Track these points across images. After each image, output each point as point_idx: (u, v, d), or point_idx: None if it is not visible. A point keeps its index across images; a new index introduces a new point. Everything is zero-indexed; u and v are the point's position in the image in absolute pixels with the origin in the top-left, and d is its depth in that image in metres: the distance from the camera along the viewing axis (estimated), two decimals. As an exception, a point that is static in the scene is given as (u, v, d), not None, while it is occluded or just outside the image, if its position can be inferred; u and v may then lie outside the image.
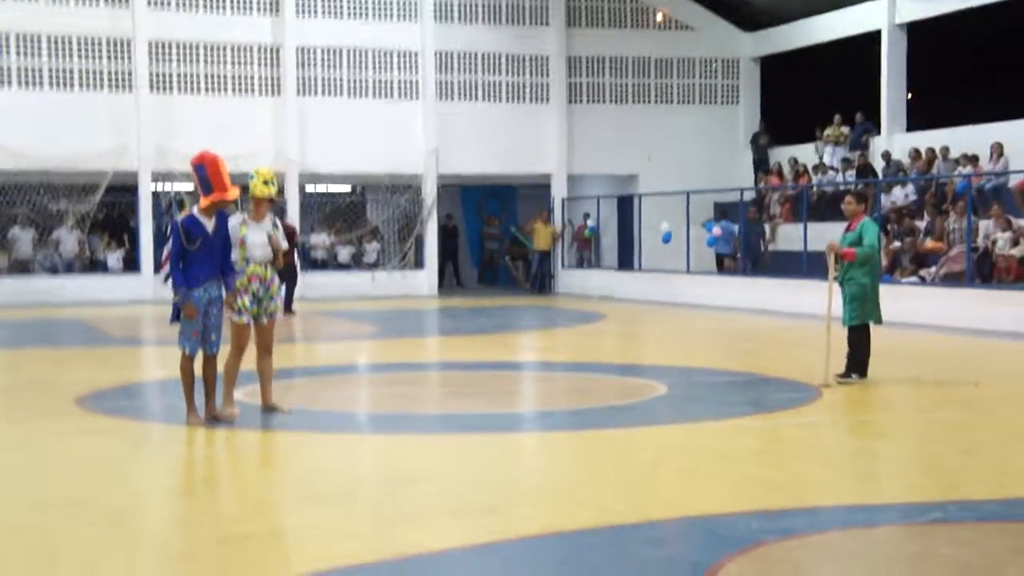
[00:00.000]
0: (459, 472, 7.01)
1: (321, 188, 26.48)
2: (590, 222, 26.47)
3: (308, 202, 25.72)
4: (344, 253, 26.05)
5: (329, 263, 25.90)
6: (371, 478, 6.99)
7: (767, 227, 23.27)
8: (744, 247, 21.90)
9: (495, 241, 28.76)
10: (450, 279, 28.23)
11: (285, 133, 24.72)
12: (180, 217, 8.52)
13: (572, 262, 27.21)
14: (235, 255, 8.64)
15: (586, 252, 26.94)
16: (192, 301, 8.40)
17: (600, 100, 27.07)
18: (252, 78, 24.74)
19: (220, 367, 8.81)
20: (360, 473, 7.16)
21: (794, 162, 24.91)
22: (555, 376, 11.91)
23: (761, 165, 25.86)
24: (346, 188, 26.95)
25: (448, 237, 27.73)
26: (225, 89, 24.57)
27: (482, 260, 29.04)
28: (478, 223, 29.05)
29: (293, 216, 24.41)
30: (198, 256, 8.40)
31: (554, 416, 9.27)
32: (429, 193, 25.78)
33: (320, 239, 25.70)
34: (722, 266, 23.53)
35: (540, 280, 26.28)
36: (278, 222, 9.06)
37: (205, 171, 8.46)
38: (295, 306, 20.29)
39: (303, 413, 9.11)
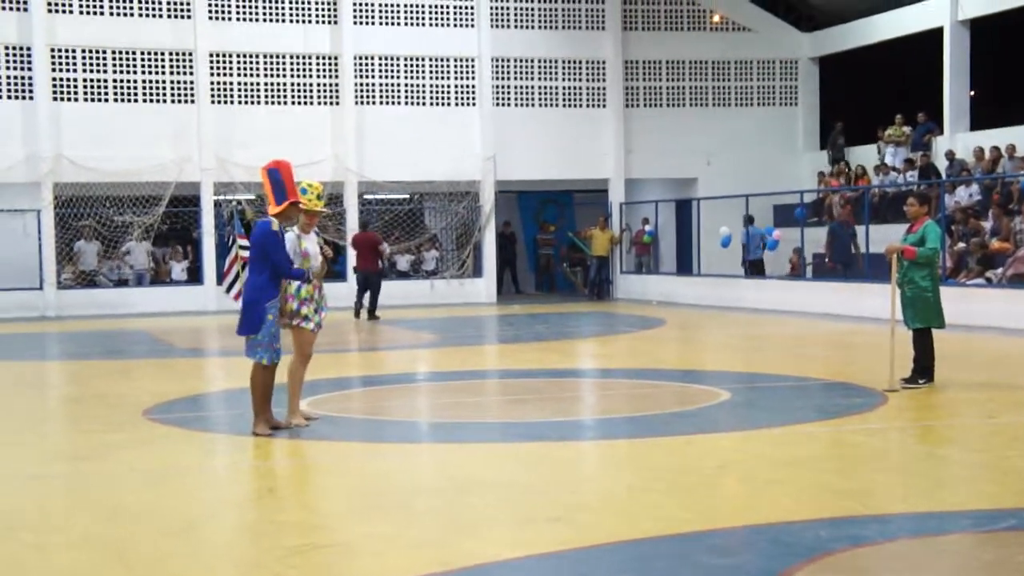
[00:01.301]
0: (521, 480, 7.01)
1: (380, 196, 26.65)
2: (648, 227, 26.37)
3: (367, 211, 25.91)
4: (403, 262, 26.19)
5: (388, 272, 26.04)
6: (433, 487, 7.01)
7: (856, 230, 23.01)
8: (837, 251, 21.15)
9: (551, 247, 28.75)
10: (508, 286, 28.24)
11: (344, 142, 24.92)
12: (256, 222, 8.59)
13: (630, 267, 27.12)
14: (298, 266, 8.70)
15: (644, 257, 26.83)
16: (312, 275, 8.59)
17: (657, 104, 26.97)
18: (311, 87, 24.99)
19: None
20: (422, 482, 7.19)
21: (850, 165, 24.63)
22: (615, 383, 11.88)
23: (837, 165, 25.50)
24: (404, 196, 27.11)
25: (506, 244, 27.75)
26: (284, 99, 24.84)
27: (539, 267, 29.03)
28: (535, 229, 29.06)
29: (352, 225, 24.60)
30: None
31: (615, 423, 9.24)
32: (487, 200, 25.84)
33: (385, 248, 25.82)
34: (759, 272, 23.33)
35: (598, 286, 26.21)
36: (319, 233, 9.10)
37: (280, 176, 8.57)
38: (378, 312, 20.92)
39: (365, 422, 9.17)
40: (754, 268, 23.47)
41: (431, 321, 20.95)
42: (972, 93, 23.92)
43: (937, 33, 23.60)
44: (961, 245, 18.78)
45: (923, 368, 10.45)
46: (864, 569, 5.10)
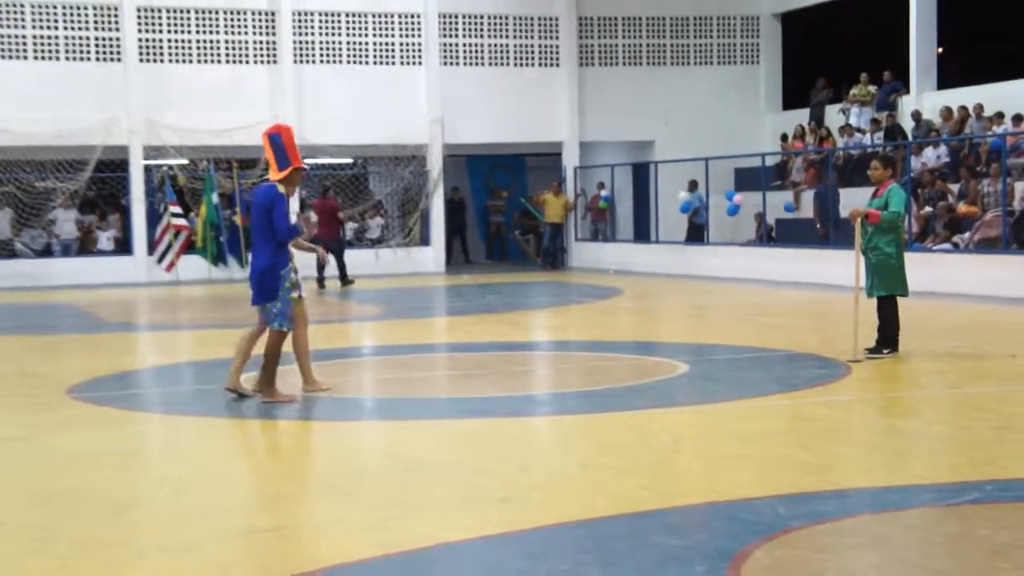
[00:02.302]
0: (470, 459, 7.05)
1: (321, 161, 26.48)
2: (604, 192, 26.46)
3: (307, 176, 25.69)
4: (346, 230, 26.05)
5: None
6: (378, 467, 7.03)
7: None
8: (824, 216, 21.07)
9: (502, 214, 28.76)
10: (457, 255, 28.26)
11: (282, 103, 24.72)
12: (257, 186, 8.69)
13: (585, 234, 27.21)
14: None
15: (600, 224, 26.93)
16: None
17: (613, 63, 27.00)
18: (246, 45, 24.73)
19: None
20: (367, 462, 7.21)
21: (815, 126, 24.82)
22: (569, 356, 11.94)
23: (813, 124, 25.54)
24: (347, 161, 26.96)
25: (454, 211, 27.72)
26: (218, 57, 24.56)
27: (489, 234, 29.05)
28: (485, 195, 29.04)
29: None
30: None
31: (569, 398, 9.30)
32: (434, 164, 25.77)
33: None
34: (699, 238, 23.60)
35: (552, 254, 26.29)
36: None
37: (281, 140, 8.80)
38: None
39: (306, 400, 9.15)
40: (693, 233, 23.81)
41: (376, 292, 20.90)
42: (940, 50, 24.15)
43: (903, -12, 23.79)
44: (928, 209, 19.03)
45: (887, 337, 10.60)
46: (824, 546, 5.18)
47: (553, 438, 7.99)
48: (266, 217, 8.74)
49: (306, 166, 8.97)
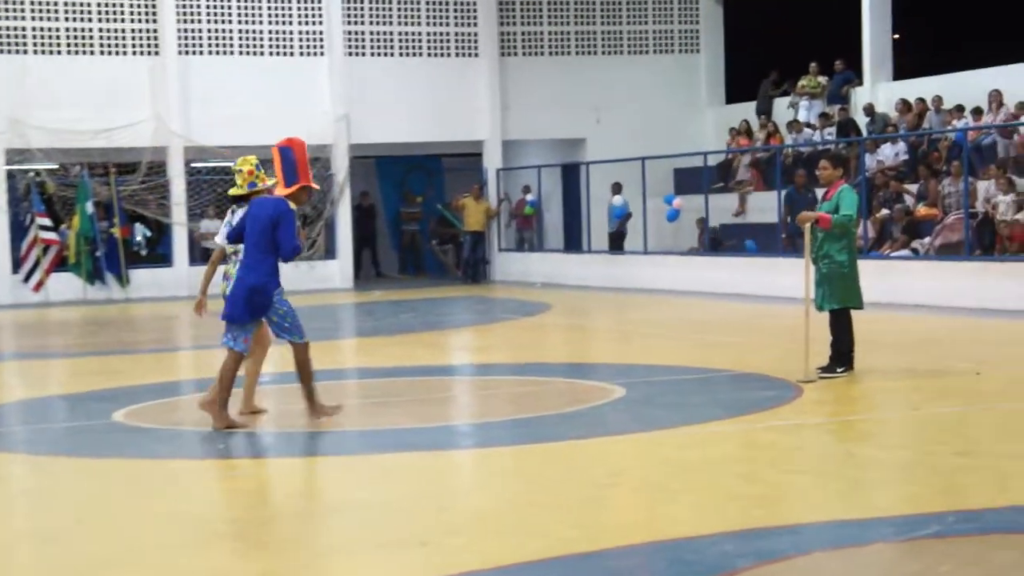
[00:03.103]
0: (384, 498, 7.07)
1: (211, 164, 26.28)
2: (530, 196, 26.58)
3: (196, 182, 25.55)
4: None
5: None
6: (282, 509, 7.02)
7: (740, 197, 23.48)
8: (794, 226, 20.96)
9: (417, 222, 28.78)
10: (367, 269, 28.18)
11: (165, 100, 24.51)
12: (258, 197, 9.36)
13: (510, 244, 27.30)
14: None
15: (527, 232, 27.05)
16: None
17: (538, 52, 27.17)
18: (123, 34, 24.49)
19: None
20: (269, 503, 7.20)
21: (764, 120, 25.16)
22: (493, 381, 11.98)
23: (761, 119, 25.71)
24: (240, 163, 26.71)
25: (364, 219, 27.67)
26: (91, 48, 24.29)
27: (403, 245, 29.05)
28: (398, 201, 29.04)
29: (180, 197, 24.30)
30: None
31: (494, 428, 9.35)
32: (340, 167, 25.71)
33: (211, 226, 25.53)
34: (619, 246, 23.95)
35: (473, 266, 26.33)
36: None
37: (293, 155, 9.21)
38: None
39: (199, 435, 9.11)
40: (611, 242, 24.10)
41: (276, 312, 20.76)
42: (896, 36, 24.64)
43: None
44: (884, 212, 19.42)
45: (841, 354, 10.81)
46: (774, 587, 5.30)
47: (476, 473, 8.04)
48: (269, 232, 9.04)
49: (316, 186, 9.51)
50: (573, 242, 26.85)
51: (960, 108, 20.60)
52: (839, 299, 10.71)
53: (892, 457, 7.93)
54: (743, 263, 20.81)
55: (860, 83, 24.10)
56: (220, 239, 9.81)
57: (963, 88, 21.35)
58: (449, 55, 26.53)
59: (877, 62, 23.83)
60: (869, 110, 22.70)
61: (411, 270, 28.90)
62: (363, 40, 25.97)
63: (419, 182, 29.27)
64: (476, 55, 26.62)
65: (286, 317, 9.26)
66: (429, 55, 26.40)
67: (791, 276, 16.25)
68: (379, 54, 26.05)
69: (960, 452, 7.72)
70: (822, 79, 24.61)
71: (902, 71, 24.42)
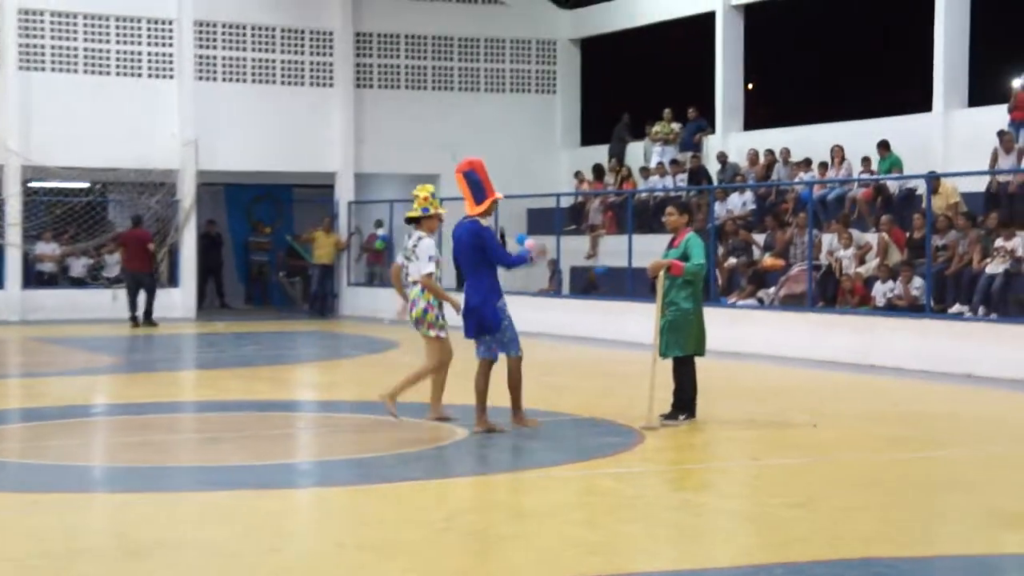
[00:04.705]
0: (213, 539, 6.92)
1: (51, 185, 25.62)
2: (382, 231, 26.51)
3: (33, 203, 24.87)
4: (78, 266, 25.27)
5: (59, 278, 25.10)
6: (99, 549, 6.81)
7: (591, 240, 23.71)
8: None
9: (265, 253, 28.46)
10: (212, 299, 27.79)
11: (3, 116, 23.84)
12: (458, 225, 10.33)
13: (360, 278, 27.15)
14: (434, 272, 10.56)
15: (377, 266, 26.93)
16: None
17: (394, 85, 27.17)
18: (-38, 47, 23.78)
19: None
20: (85, 543, 6.96)
21: (615, 164, 25.48)
22: (334, 418, 11.89)
23: (613, 162, 25.95)
24: (82, 185, 26.16)
25: (209, 248, 27.29)
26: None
27: (250, 276, 28.68)
28: (246, 230, 28.69)
29: (14, 217, 23.65)
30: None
31: (330, 467, 9.27)
32: (186, 193, 25.31)
33: (48, 249, 24.87)
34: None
35: (321, 300, 26.13)
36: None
37: (477, 176, 10.24)
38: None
39: (19, 467, 8.81)
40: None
41: (112, 340, 20.34)
42: (749, 86, 25.26)
43: (709, 18, 24.79)
44: (732, 260, 19.80)
45: (684, 402, 10.95)
46: (605, 638, 5.30)
47: (310, 514, 7.93)
48: (476, 254, 10.14)
49: (502, 195, 10.57)
50: (423, 279, 26.75)
51: (807, 161, 21.17)
52: (683, 347, 10.84)
53: (729, 507, 8.03)
54: (592, 306, 21.00)
55: (712, 131, 24.61)
56: (432, 267, 10.58)
57: (810, 141, 21.94)
58: (303, 84, 26.36)
59: (729, 112, 24.38)
60: (722, 159, 23.18)
61: (257, 302, 28.59)
62: (215, 65, 25.65)
63: (268, 212, 29.01)
64: (331, 85, 26.50)
65: (505, 332, 10.21)
66: (283, 83, 26.20)
67: (640, 321, 16.45)
68: (231, 79, 25.75)
69: (796, 504, 7.85)
70: (675, 126, 25.07)
71: (753, 121, 25.02)
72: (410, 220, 10.89)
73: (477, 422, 10.32)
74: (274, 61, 26.13)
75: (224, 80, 25.69)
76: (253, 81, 25.94)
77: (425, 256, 10.65)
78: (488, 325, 10.18)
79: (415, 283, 10.71)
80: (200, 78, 25.41)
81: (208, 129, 25.25)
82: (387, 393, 10.69)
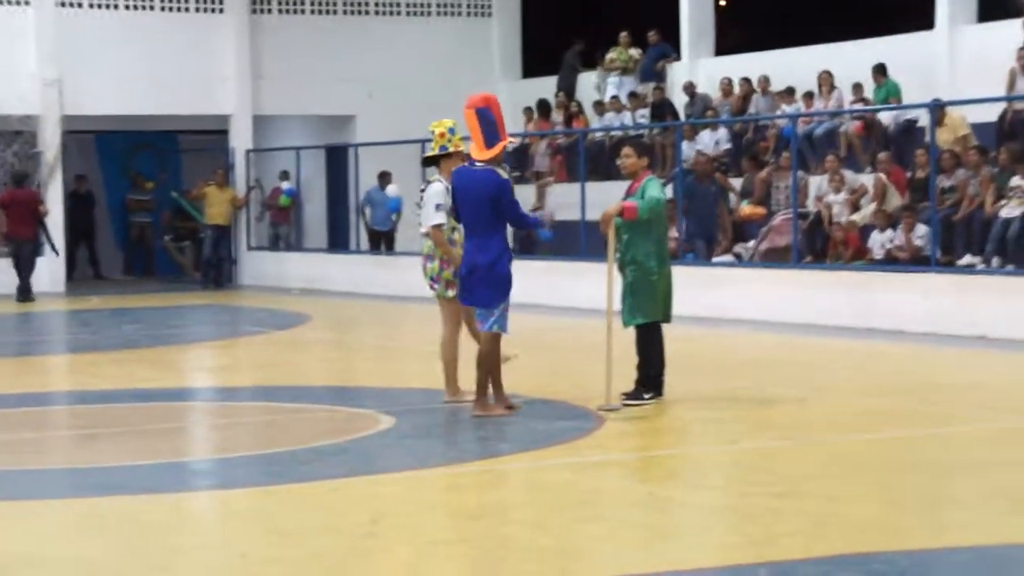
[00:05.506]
0: (91, 554, 6.91)
1: None
2: (287, 184, 26.40)
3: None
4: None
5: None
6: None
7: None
8: (696, 222, 19.61)
9: (148, 213, 28.29)
10: (84, 269, 27.63)
11: None
12: (465, 169, 10.39)
13: (262, 241, 27.06)
14: (444, 222, 10.67)
15: (282, 227, 26.85)
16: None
17: (298, 9, 27.04)
18: None
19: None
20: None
21: (564, 99, 25.43)
22: (234, 408, 11.86)
23: (560, 98, 25.90)
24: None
25: (79, 208, 27.12)
26: None
27: (130, 240, 28.52)
28: (124, 187, 28.50)
29: None
30: None
31: (232, 465, 9.26)
32: (49, 144, 25.08)
33: None
34: (378, 245, 24.13)
35: (215, 268, 26.03)
36: None
37: (491, 115, 10.28)
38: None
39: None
40: (378, 242, 24.14)
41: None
42: (721, 3, 25.28)
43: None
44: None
45: (649, 378, 10.99)
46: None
47: (208, 521, 7.93)
48: (488, 208, 10.18)
49: (513, 140, 10.29)
50: (338, 240, 26.76)
51: (790, 91, 21.26)
52: (647, 312, 10.85)
53: (702, 500, 8.10)
54: (539, 267, 21.04)
55: (678, 58, 24.65)
56: (441, 218, 10.67)
57: (792, 67, 21.98)
58: (188, 9, 26.18)
59: (698, 33, 24.41)
60: (690, 90, 23.21)
61: (139, 271, 28.46)
62: (80, -13, 25.39)
63: (150, 164, 28.83)
64: (221, 10, 26.33)
65: (507, 303, 10.35)
66: (163, 9, 26.01)
67: (596, 284, 16.49)
68: (100, 5, 25.49)
69: (779, 494, 7.94)
70: (634, 52, 25.07)
71: (725, 46, 25.05)
72: (428, 162, 11.30)
73: (493, 406, 10.47)
74: (152, -18, 25.90)
75: (91, 6, 25.43)
76: (127, 7, 25.69)
77: (431, 204, 10.77)
78: (495, 293, 10.29)
79: (425, 235, 10.93)
80: (62, 4, 25.15)
81: (73, 66, 25.00)
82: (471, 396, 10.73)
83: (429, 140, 23.55)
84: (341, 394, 12.62)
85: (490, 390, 10.57)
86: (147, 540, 7.27)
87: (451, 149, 10.80)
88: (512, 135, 24.88)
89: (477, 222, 10.32)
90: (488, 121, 10.32)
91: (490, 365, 10.44)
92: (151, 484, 8.59)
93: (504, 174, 10.50)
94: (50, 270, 25.17)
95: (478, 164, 10.37)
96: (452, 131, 10.84)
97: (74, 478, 8.89)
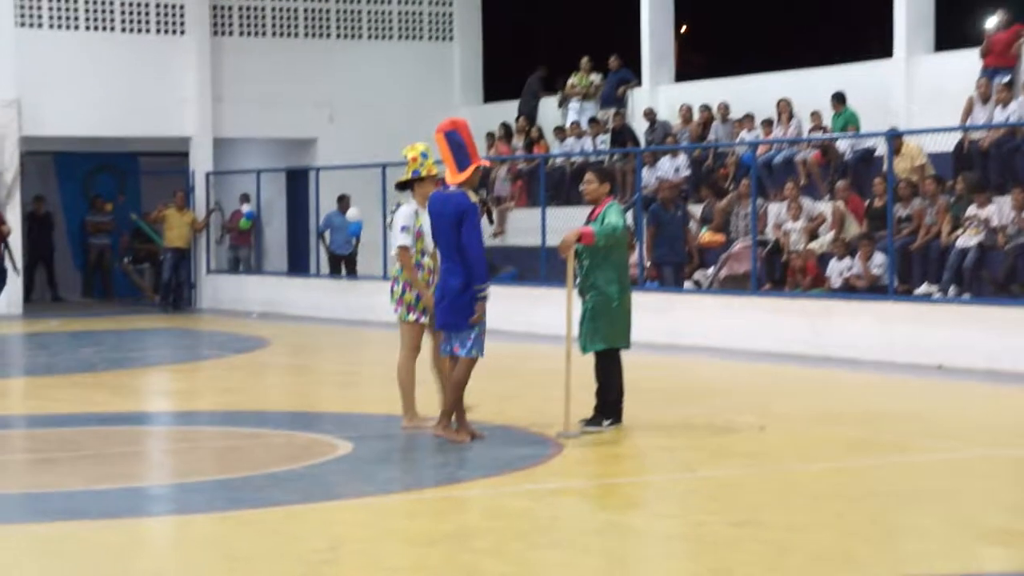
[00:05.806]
0: (46, 582, 6.88)
1: None
2: (248, 207, 26.35)
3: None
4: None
5: None
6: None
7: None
8: (663, 246, 19.45)
9: (107, 235, 28.17)
10: (42, 290, 27.52)
11: None
12: (437, 193, 10.44)
13: (221, 264, 26.98)
14: (408, 244, 10.77)
15: (242, 250, 26.81)
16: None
17: (260, 32, 27.02)
18: None
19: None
20: None
21: (525, 124, 25.46)
22: (191, 432, 11.83)
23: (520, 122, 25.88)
24: None
25: (38, 230, 27.00)
26: None
27: (89, 263, 28.39)
28: (83, 208, 28.37)
29: None
30: None
31: (188, 492, 9.20)
32: (8, 164, 24.97)
33: None
34: (338, 269, 24.11)
35: (174, 291, 25.93)
36: None
37: (460, 137, 10.33)
38: None
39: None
40: (338, 266, 24.11)
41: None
42: (681, 30, 25.41)
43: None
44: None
45: (608, 404, 11.01)
46: None
47: (166, 546, 7.88)
48: (456, 231, 10.18)
49: (488, 163, 10.57)
50: (299, 263, 26.69)
51: (749, 118, 21.37)
52: (606, 338, 10.88)
53: (660, 528, 8.11)
54: (500, 293, 20.98)
55: (638, 84, 24.74)
56: (405, 240, 10.78)
57: (751, 95, 22.10)
58: (148, 31, 26.12)
59: (658, 61, 24.51)
60: (650, 116, 23.28)
61: (97, 293, 28.32)
62: (39, 8, 25.29)
63: (110, 186, 28.70)
64: (182, 32, 26.29)
65: (482, 328, 10.35)
66: (124, 30, 25.94)
67: (555, 311, 16.51)
68: (60, 26, 25.43)
69: (737, 522, 7.95)
70: (594, 77, 25.15)
71: (686, 72, 25.17)
72: (401, 186, 11.14)
73: (456, 432, 10.49)
74: (112, 2, 25.82)
75: (52, 27, 25.36)
76: (87, 27, 25.63)
77: (398, 226, 10.86)
78: (464, 317, 10.25)
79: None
80: (22, 24, 25.08)
81: (33, 86, 24.94)
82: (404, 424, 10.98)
83: (390, 164, 23.77)
84: (300, 419, 12.58)
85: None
86: (105, 566, 7.24)
87: (423, 173, 10.85)
88: (485, 158, 25.06)
89: (448, 246, 10.34)
90: (456, 144, 10.37)
91: (461, 389, 10.44)
92: (109, 509, 8.55)
93: (474, 198, 10.48)
94: (7, 292, 24.99)
95: (451, 188, 10.40)
96: (425, 155, 10.90)
97: (31, 503, 8.83)
